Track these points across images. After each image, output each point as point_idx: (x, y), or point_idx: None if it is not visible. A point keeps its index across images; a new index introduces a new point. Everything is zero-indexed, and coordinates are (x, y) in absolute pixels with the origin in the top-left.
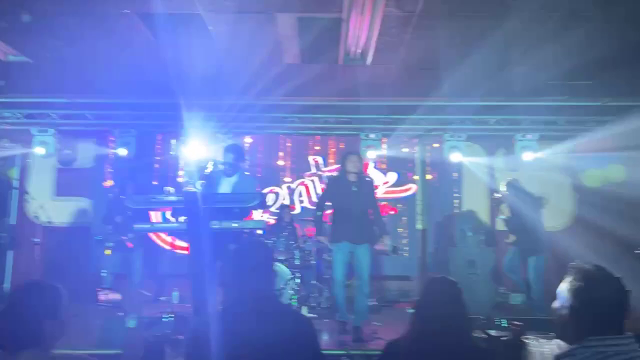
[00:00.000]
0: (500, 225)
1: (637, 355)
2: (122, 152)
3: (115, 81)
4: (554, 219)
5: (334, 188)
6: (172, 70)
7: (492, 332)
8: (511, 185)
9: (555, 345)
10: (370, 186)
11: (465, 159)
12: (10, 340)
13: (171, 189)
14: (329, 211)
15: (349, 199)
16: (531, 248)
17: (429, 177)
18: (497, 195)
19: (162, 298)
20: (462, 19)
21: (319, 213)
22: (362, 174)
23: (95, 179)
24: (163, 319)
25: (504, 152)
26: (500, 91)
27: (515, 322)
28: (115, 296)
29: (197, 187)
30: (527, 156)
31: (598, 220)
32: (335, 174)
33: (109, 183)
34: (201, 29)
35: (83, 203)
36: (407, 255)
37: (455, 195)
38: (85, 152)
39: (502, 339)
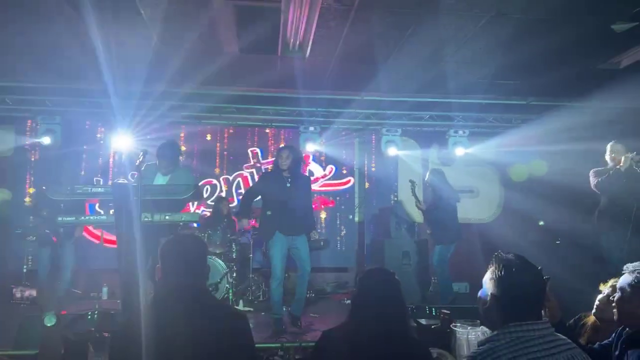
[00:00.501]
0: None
1: (553, 339)
2: (46, 140)
3: (38, 65)
4: (484, 211)
5: (267, 182)
6: (101, 55)
7: (423, 321)
8: (435, 172)
9: (480, 332)
10: (306, 182)
11: (401, 152)
12: None
13: (100, 180)
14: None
15: (282, 194)
16: (440, 238)
17: (366, 170)
18: (412, 180)
19: (92, 294)
20: (398, 15)
21: (244, 206)
22: (297, 169)
23: (15, 169)
24: (87, 316)
25: (438, 147)
26: (433, 88)
27: (444, 311)
28: (32, 292)
29: (129, 178)
30: (459, 151)
31: (523, 212)
32: (269, 167)
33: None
34: (132, 11)
35: (2, 194)
36: (344, 248)
37: (391, 188)
38: (4, 140)
39: (432, 327)
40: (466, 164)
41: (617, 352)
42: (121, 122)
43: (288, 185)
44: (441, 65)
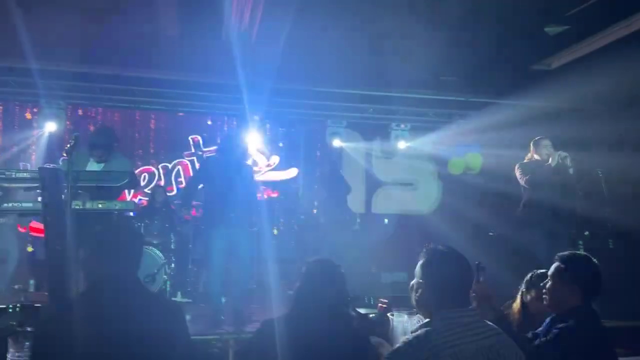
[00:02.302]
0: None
1: (481, 325)
2: None
3: None
4: (422, 203)
5: (209, 171)
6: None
7: (362, 310)
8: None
9: (417, 320)
10: (249, 171)
11: (345, 144)
12: None
13: (27, 166)
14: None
15: (225, 183)
16: None
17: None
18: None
19: (16, 287)
20: (344, 6)
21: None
22: (241, 159)
23: None
24: (9, 310)
25: (380, 140)
26: (376, 81)
27: (382, 300)
28: None
29: (60, 163)
30: (401, 144)
31: (459, 206)
32: (211, 155)
33: None
34: None
35: None
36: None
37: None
38: None
39: (370, 316)
40: (407, 157)
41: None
42: (48, 104)
43: (232, 174)
44: (384, 59)
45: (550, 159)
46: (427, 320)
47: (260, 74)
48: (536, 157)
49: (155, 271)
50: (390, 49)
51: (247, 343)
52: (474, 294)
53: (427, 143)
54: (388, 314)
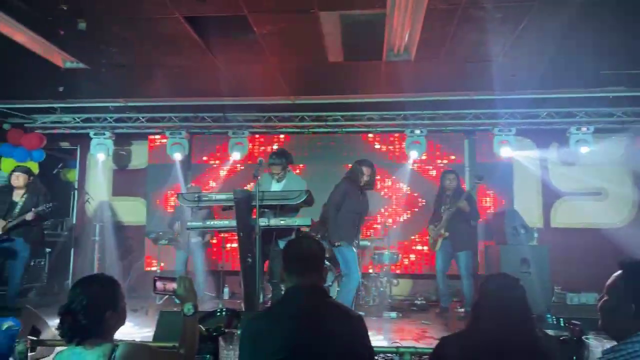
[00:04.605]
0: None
1: None
2: (177, 156)
3: (166, 84)
4: (614, 214)
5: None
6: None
7: (550, 332)
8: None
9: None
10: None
11: (516, 153)
12: (74, 330)
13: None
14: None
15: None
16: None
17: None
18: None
19: (213, 295)
20: (509, 9)
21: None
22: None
23: (149, 180)
24: (217, 313)
25: (557, 146)
26: (551, 82)
27: (574, 322)
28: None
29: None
30: (583, 149)
31: None
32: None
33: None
34: (248, 32)
35: (138, 203)
36: None
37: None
38: (140, 154)
39: (560, 338)
40: (592, 164)
41: None
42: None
43: (362, 197)
44: (560, 58)
45: None
46: (624, 341)
47: (419, 88)
48: None
49: (330, 283)
50: (573, 45)
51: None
52: None
53: (617, 146)
54: (583, 338)
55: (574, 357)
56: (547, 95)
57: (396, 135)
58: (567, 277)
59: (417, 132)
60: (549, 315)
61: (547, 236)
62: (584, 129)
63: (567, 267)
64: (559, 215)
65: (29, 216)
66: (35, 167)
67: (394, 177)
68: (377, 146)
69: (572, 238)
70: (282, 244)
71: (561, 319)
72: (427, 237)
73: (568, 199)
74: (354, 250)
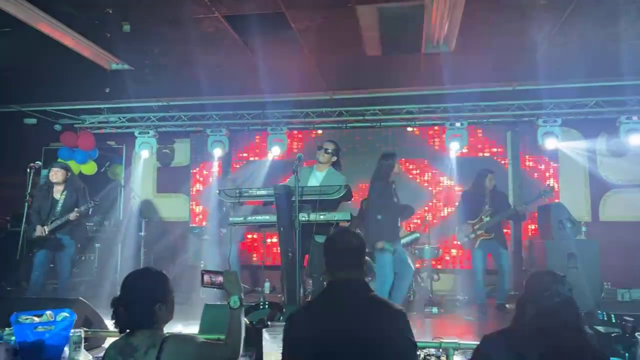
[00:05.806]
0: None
1: None
2: (217, 152)
3: (207, 83)
4: None
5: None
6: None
7: (600, 329)
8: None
9: None
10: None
11: (562, 144)
12: (126, 321)
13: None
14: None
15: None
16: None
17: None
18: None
19: (256, 288)
20: None
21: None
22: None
23: (191, 177)
24: (260, 307)
25: (606, 136)
26: (599, 71)
27: (627, 318)
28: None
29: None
30: (634, 139)
31: None
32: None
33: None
34: (286, 29)
35: (181, 199)
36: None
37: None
38: (182, 152)
39: (612, 335)
40: None
41: None
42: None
43: (395, 199)
44: (609, 44)
45: None
46: None
47: (460, 80)
48: None
49: (370, 278)
50: (621, 30)
51: (471, 357)
52: None
53: None
54: (636, 334)
55: (626, 354)
56: (595, 84)
57: (436, 128)
58: (617, 273)
59: (458, 124)
60: (600, 312)
61: (596, 230)
62: (635, 117)
63: (617, 262)
64: (607, 208)
65: (72, 216)
66: (93, 167)
67: (433, 171)
68: (417, 139)
69: (622, 232)
70: (320, 238)
71: (612, 315)
72: (456, 233)
73: (617, 191)
74: (391, 254)
